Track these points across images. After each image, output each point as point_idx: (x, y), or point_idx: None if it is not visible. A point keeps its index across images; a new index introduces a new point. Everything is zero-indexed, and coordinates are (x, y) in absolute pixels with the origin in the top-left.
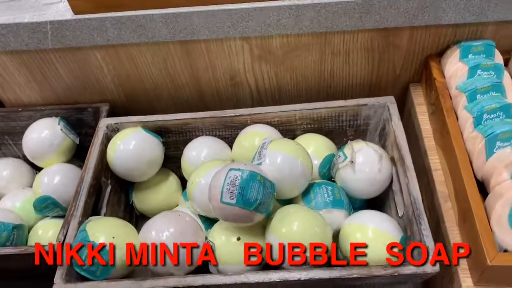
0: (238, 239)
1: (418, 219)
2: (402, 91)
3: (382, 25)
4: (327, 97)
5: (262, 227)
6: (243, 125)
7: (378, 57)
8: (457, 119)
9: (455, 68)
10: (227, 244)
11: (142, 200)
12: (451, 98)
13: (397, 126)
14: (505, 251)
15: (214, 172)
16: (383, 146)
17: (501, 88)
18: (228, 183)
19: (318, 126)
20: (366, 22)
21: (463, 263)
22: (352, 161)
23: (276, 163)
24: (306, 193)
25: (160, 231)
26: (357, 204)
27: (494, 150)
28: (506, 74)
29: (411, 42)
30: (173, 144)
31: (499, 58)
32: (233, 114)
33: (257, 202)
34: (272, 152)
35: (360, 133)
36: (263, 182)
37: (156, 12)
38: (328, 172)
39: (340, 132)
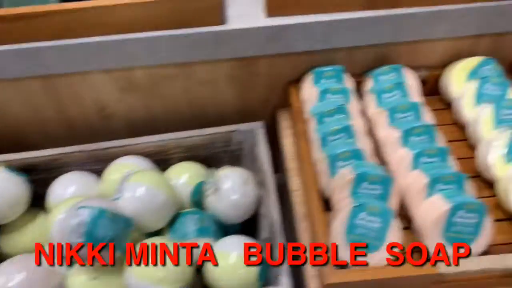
0: (95, 278)
1: (275, 241)
2: (273, 115)
3: (237, 55)
4: (201, 124)
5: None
6: (115, 158)
7: (243, 84)
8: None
9: (309, 93)
10: (85, 284)
11: (8, 243)
12: (306, 122)
13: (262, 151)
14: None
15: None
16: (254, 170)
17: (345, 110)
18: (76, 221)
19: (193, 154)
20: (221, 53)
21: (313, 281)
22: (218, 188)
23: (136, 196)
24: (172, 223)
25: (9, 277)
26: (232, 229)
27: (336, 170)
28: (354, 96)
29: (271, 69)
30: (42, 182)
31: (349, 82)
32: (104, 147)
33: (106, 239)
34: (133, 185)
35: (235, 159)
36: (114, 218)
37: (8, 48)
38: (199, 200)
39: (215, 159)
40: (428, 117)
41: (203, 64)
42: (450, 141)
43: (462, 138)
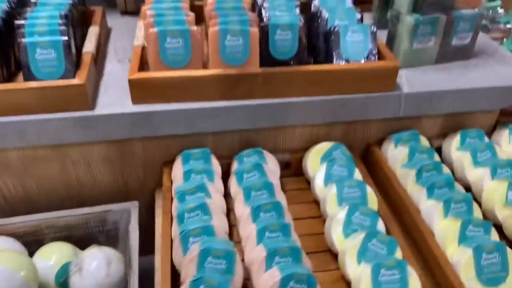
0: None
1: None
2: (152, 195)
3: (108, 137)
4: (78, 204)
5: None
6: None
7: (119, 165)
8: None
9: (178, 173)
10: None
11: None
12: (172, 200)
13: (133, 229)
14: None
15: None
16: (127, 250)
17: (205, 189)
18: None
19: (68, 234)
20: (92, 136)
21: None
22: (81, 268)
23: None
24: None
25: None
26: None
27: (188, 246)
28: (219, 176)
29: (145, 151)
30: None
31: (215, 163)
32: None
33: None
34: None
35: (111, 238)
36: None
37: None
38: (65, 281)
39: (90, 239)
40: (280, 195)
41: (76, 146)
42: (309, 217)
43: (320, 215)
